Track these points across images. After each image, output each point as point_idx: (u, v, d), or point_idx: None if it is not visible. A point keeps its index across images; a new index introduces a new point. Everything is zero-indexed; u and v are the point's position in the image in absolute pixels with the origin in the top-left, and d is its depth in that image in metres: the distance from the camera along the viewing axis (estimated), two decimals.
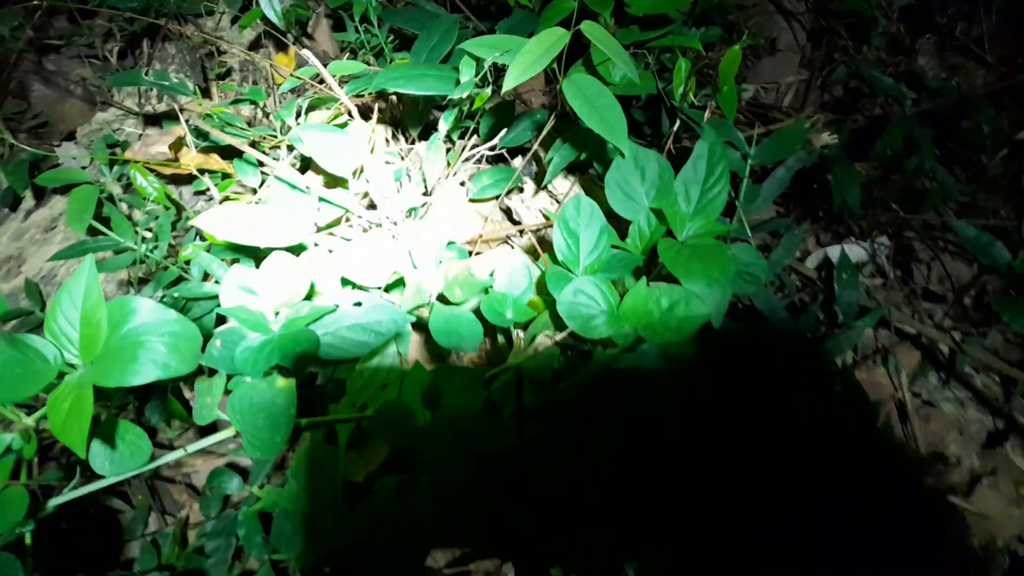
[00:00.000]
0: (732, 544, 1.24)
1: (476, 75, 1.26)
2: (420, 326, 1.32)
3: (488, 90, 1.34)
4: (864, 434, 1.40)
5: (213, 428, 1.35)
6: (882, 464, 1.41)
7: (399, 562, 1.15)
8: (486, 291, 1.09)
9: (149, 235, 1.34)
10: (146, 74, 1.34)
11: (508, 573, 1.34)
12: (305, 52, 1.34)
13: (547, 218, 1.55)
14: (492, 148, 1.43)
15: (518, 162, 1.66)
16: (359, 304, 0.95)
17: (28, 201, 1.53)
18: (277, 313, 0.92)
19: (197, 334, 0.78)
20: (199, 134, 1.40)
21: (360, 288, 1.09)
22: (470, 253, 1.48)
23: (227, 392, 0.95)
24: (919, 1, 2.00)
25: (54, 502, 0.89)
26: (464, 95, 1.28)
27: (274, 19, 1.52)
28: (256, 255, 1.29)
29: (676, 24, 1.50)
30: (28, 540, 0.86)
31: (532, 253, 1.52)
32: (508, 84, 1.06)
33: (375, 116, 1.42)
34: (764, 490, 1.26)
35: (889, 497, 1.34)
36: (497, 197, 1.54)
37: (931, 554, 1.33)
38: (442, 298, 1.09)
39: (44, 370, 0.74)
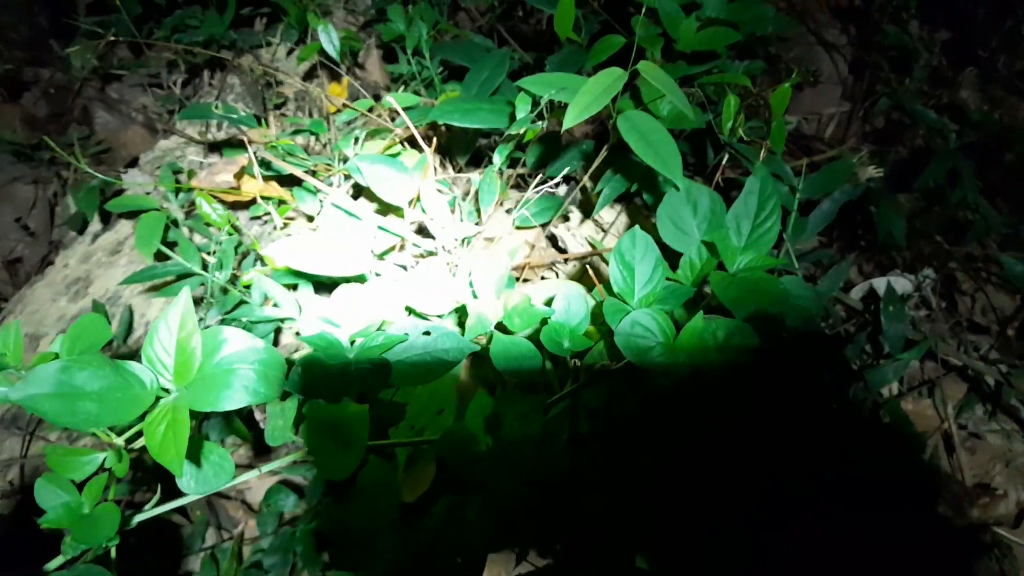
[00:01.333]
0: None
1: (532, 112, 1.31)
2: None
3: (541, 124, 1.38)
4: (908, 464, 1.41)
5: (269, 448, 1.40)
6: (923, 494, 1.41)
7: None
8: (544, 320, 1.12)
9: (212, 260, 1.39)
10: (215, 107, 1.40)
11: None
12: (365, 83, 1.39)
13: (592, 246, 1.58)
14: (544, 179, 1.47)
15: (563, 190, 1.70)
16: (427, 333, 0.99)
17: (95, 225, 1.60)
18: (352, 342, 0.97)
19: (283, 362, 0.82)
20: (261, 163, 1.46)
21: (421, 316, 1.13)
22: (517, 279, 1.52)
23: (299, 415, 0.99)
24: (961, 35, 2.02)
25: (138, 518, 0.93)
26: (520, 130, 1.33)
27: (332, 53, 1.58)
28: (314, 280, 1.34)
29: (722, 58, 1.53)
30: (113, 554, 0.90)
31: (577, 279, 1.55)
32: (568, 122, 1.10)
33: (432, 148, 1.46)
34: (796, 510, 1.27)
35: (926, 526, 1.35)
36: (544, 225, 1.58)
37: None
38: (501, 326, 1.13)
39: (142, 394, 0.79)
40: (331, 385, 0.90)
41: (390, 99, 1.44)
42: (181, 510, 1.41)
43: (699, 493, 1.24)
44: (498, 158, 1.44)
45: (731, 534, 1.26)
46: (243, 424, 1.27)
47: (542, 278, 1.61)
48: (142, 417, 0.78)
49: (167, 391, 0.81)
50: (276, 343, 1.46)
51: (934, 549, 1.33)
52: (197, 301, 1.46)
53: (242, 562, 1.38)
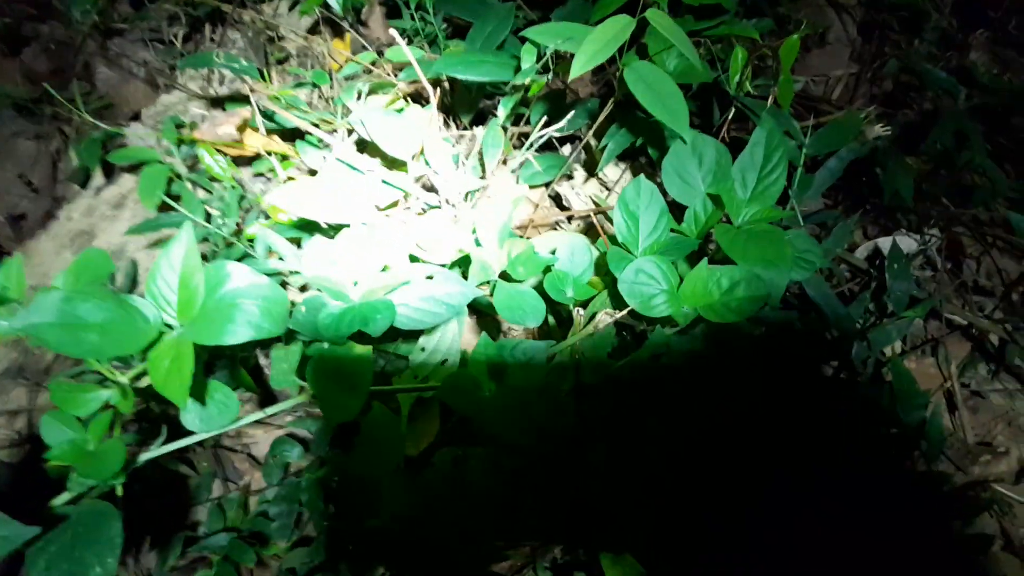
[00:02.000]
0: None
1: (537, 62, 1.29)
2: (472, 308, 1.36)
3: (546, 77, 1.36)
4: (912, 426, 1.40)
5: (274, 397, 1.41)
6: (909, 463, 1.42)
7: (457, 531, 1.19)
8: (547, 270, 1.12)
9: (215, 213, 1.39)
10: (217, 57, 1.39)
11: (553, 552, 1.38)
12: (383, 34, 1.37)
13: (596, 205, 1.58)
14: (550, 135, 1.46)
15: (568, 149, 1.68)
16: (431, 277, 0.99)
17: (98, 179, 1.59)
18: (356, 284, 0.96)
19: (286, 298, 0.82)
20: (264, 116, 1.45)
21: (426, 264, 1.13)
22: (521, 237, 1.51)
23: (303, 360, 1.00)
24: None
25: (144, 456, 0.94)
26: (524, 81, 1.31)
27: (335, 6, 1.57)
28: (318, 233, 1.34)
29: (729, 15, 1.51)
30: (119, 491, 0.91)
31: (585, 234, 1.54)
32: (575, 71, 1.09)
33: (435, 100, 1.45)
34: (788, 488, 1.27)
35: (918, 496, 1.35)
36: (548, 184, 1.57)
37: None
38: (505, 276, 1.12)
39: (146, 328, 0.79)
40: (335, 325, 0.90)
41: (400, 42, 1.42)
42: (188, 461, 1.42)
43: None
44: (502, 111, 1.42)
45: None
46: (249, 376, 1.28)
47: None
48: (146, 351, 0.79)
49: (171, 327, 0.82)
50: None
51: (938, 545, 1.34)
52: (201, 255, 1.46)
53: (248, 512, 1.39)
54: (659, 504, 1.26)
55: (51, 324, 0.72)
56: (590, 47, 1.11)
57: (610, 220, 1.57)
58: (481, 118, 1.70)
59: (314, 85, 1.54)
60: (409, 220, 1.37)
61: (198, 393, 0.88)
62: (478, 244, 1.13)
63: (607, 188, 1.64)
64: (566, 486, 1.23)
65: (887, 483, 1.33)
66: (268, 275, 1.32)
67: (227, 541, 1.24)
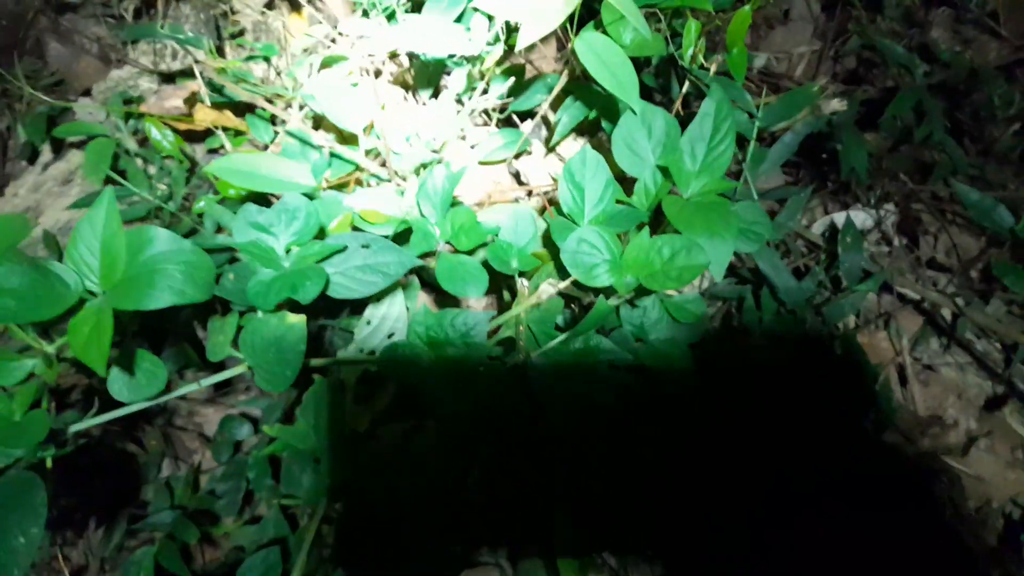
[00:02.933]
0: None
1: (488, 30, 1.28)
2: (429, 285, 1.35)
3: (500, 48, 1.35)
4: (862, 397, 1.41)
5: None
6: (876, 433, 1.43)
7: (407, 503, 1.18)
8: (492, 238, 1.11)
9: (163, 188, 1.37)
10: (161, 27, 1.36)
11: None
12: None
13: (555, 181, 1.57)
14: (503, 109, 1.44)
15: (527, 126, 1.67)
16: (367, 246, 0.98)
17: (46, 155, 1.56)
18: (288, 251, 0.95)
19: (211, 263, 0.81)
20: (214, 89, 1.43)
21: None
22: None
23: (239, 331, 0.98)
24: None
25: (74, 428, 0.92)
26: (476, 52, 1.30)
27: None
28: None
29: None
30: (49, 463, 0.90)
31: (540, 214, 1.54)
32: (523, 41, 1.07)
33: (389, 77, 1.43)
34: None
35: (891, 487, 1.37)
36: (506, 160, 1.56)
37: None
38: (449, 247, 1.11)
39: (65, 294, 0.77)
40: (264, 292, 0.88)
41: (349, 24, 1.40)
42: (136, 439, 1.41)
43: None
44: (454, 82, 1.41)
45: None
46: (192, 350, 1.26)
47: None
48: (65, 317, 0.77)
49: (93, 294, 0.80)
50: None
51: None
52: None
53: (198, 490, 1.38)
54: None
55: None
56: (538, 15, 1.10)
57: None
58: (441, 95, 1.68)
59: (265, 58, 1.51)
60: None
61: (125, 363, 0.86)
62: (422, 215, 1.12)
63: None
64: (520, 455, 1.23)
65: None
66: (216, 250, 1.32)
67: (171, 519, 1.22)
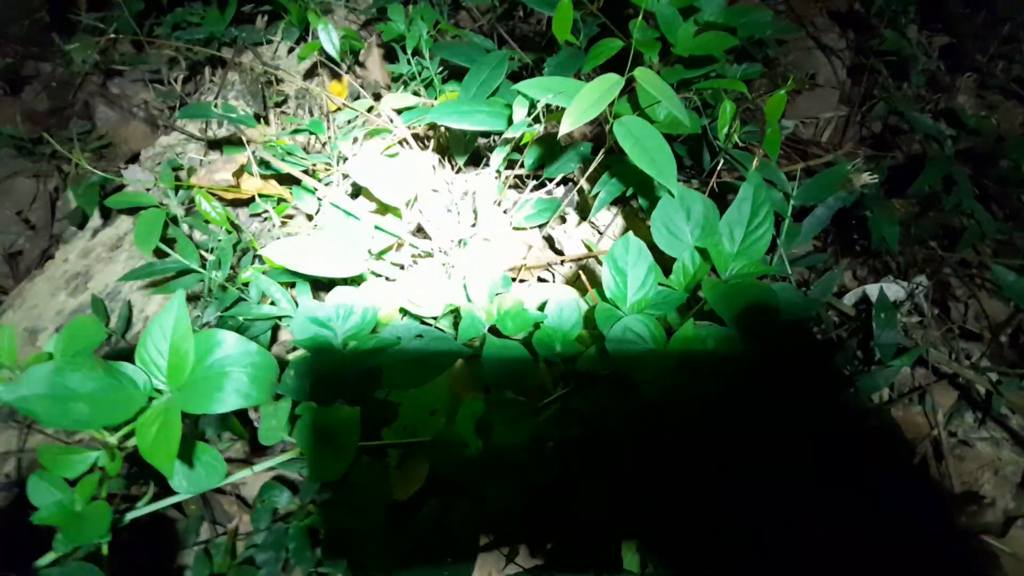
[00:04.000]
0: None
1: (529, 115, 1.32)
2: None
3: (538, 127, 1.39)
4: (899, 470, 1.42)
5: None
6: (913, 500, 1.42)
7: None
8: (536, 324, 1.13)
9: (210, 257, 1.41)
10: (215, 106, 1.41)
11: None
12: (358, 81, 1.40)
13: (588, 248, 1.59)
14: (542, 181, 1.48)
15: (560, 192, 1.71)
16: (420, 336, 1.00)
17: (95, 220, 1.61)
18: (346, 344, 0.98)
19: (275, 365, 0.83)
20: (260, 162, 1.47)
21: (416, 317, 1.14)
22: (514, 280, 1.53)
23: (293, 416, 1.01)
24: (959, 40, 2.03)
25: (131, 515, 0.95)
26: (517, 134, 1.33)
27: (332, 52, 1.59)
28: (311, 279, 1.35)
29: (719, 63, 1.54)
30: (105, 551, 0.92)
31: (573, 282, 1.56)
32: (565, 128, 1.11)
33: (431, 148, 1.47)
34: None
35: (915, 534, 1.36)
36: (541, 226, 1.59)
37: None
38: (494, 329, 1.14)
39: (135, 395, 0.80)
40: (323, 388, 0.91)
41: (377, 99, 1.45)
42: (176, 505, 1.43)
43: (699, 482, 1.26)
44: (496, 160, 1.44)
45: (733, 529, 1.27)
46: (238, 422, 1.29)
47: (539, 279, 1.62)
48: (135, 417, 0.80)
49: (160, 392, 0.83)
50: (274, 339, 1.47)
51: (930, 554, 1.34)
52: (195, 298, 1.47)
53: (236, 557, 1.39)
54: (659, 506, 1.26)
55: (41, 396, 0.73)
56: (579, 105, 1.13)
57: (601, 263, 1.59)
58: (476, 158, 1.72)
59: (310, 132, 1.56)
60: (403, 265, 1.39)
61: (186, 455, 0.88)
62: (468, 299, 1.14)
63: (599, 231, 1.66)
64: (553, 519, 1.24)
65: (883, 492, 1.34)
66: (261, 319, 1.35)
67: None
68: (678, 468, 1.22)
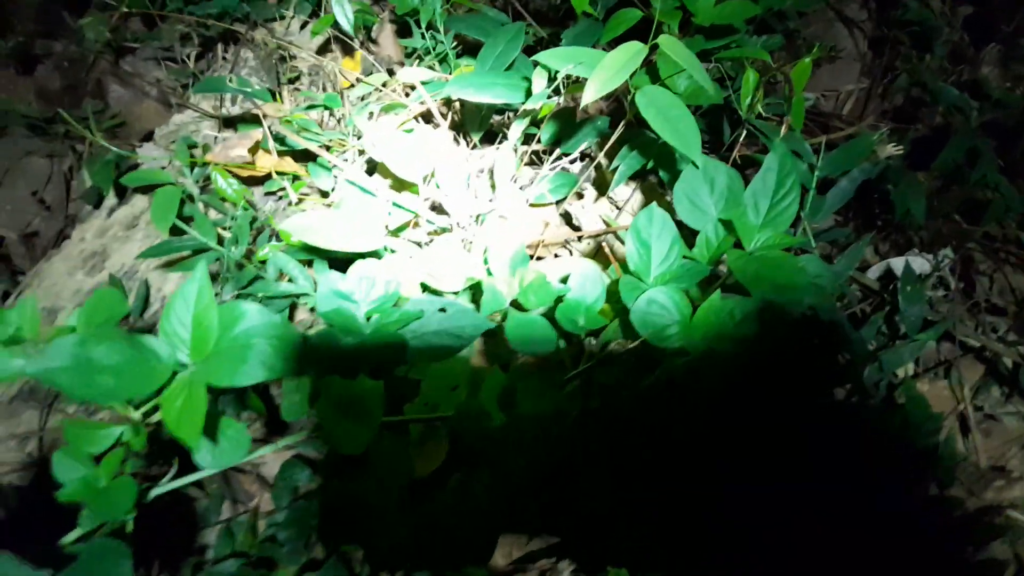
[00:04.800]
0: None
1: (548, 86, 1.29)
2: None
3: (556, 100, 1.36)
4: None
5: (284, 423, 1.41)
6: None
7: (463, 553, 1.19)
8: (559, 298, 1.12)
9: (227, 235, 1.39)
10: (229, 80, 1.39)
11: (564, 571, 1.38)
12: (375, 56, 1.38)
13: (607, 224, 1.57)
14: (559, 156, 1.46)
15: (577, 167, 1.68)
16: (443, 310, 0.99)
17: (110, 199, 1.60)
18: (368, 317, 0.97)
19: (299, 337, 0.82)
20: (276, 138, 1.46)
21: (436, 293, 1.13)
22: (531, 257, 1.52)
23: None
24: (983, 10, 1.98)
25: (155, 492, 0.94)
26: (536, 105, 1.31)
27: (346, 27, 1.57)
28: (329, 256, 1.34)
29: (740, 33, 1.51)
30: (130, 527, 0.91)
31: (592, 257, 1.54)
32: (587, 98, 1.09)
33: (447, 124, 1.45)
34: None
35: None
36: (558, 202, 1.57)
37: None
38: (516, 303, 1.12)
39: (159, 368, 0.79)
40: (346, 361, 0.90)
41: (390, 74, 1.42)
42: (197, 483, 1.43)
43: (704, 486, 1.25)
44: (513, 134, 1.42)
45: (733, 529, 1.26)
46: (258, 399, 1.28)
47: (556, 256, 1.61)
48: (159, 391, 0.79)
49: (184, 365, 0.82)
50: (291, 318, 1.47)
51: (941, 546, 1.33)
52: (213, 276, 1.46)
53: (257, 535, 1.39)
54: (660, 506, 1.26)
55: (65, 369, 0.72)
56: (602, 74, 1.11)
57: (620, 240, 1.57)
58: (491, 134, 1.70)
59: (325, 107, 1.54)
60: (421, 243, 1.38)
61: (210, 430, 0.88)
62: (489, 273, 1.13)
63: (617, 207, 1.64)
64: (571, 493, 1.24)
65: (899, 505, 1.33)
66: (279, 297, 1.34)
67: (235, 568, 1.24)
68: (681, 464, 1.21)
